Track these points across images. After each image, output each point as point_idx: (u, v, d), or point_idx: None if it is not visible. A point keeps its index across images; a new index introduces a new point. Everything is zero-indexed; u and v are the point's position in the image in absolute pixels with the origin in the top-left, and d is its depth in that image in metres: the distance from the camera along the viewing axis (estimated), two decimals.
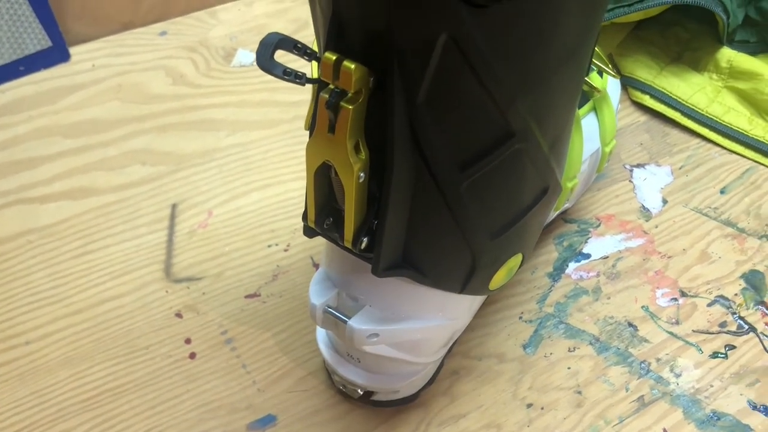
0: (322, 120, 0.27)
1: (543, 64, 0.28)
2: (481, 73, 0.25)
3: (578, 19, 0.28)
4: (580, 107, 0.44)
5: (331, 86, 0.26)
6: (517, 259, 0.37)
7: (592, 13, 0.29)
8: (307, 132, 0.31)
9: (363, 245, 0.31)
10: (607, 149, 0.47)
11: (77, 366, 0.44)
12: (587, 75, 0.44)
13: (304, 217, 0.33)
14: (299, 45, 0.26)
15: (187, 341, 0.45)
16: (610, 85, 0.48)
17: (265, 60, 0.25)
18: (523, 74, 0.27)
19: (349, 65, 0.25)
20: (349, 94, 0.26)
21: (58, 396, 0.43)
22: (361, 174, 0.28)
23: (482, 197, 0.31)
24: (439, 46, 0.24)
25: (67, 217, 0.51)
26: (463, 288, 0.35)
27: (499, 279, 0.37)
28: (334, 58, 0.25)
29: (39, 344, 0.45)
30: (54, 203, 0.51)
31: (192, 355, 0.45)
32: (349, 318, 0.35)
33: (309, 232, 0.34)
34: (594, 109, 0.46)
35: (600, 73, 0.46)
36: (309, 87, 0.29)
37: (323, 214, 0.32)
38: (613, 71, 0.46)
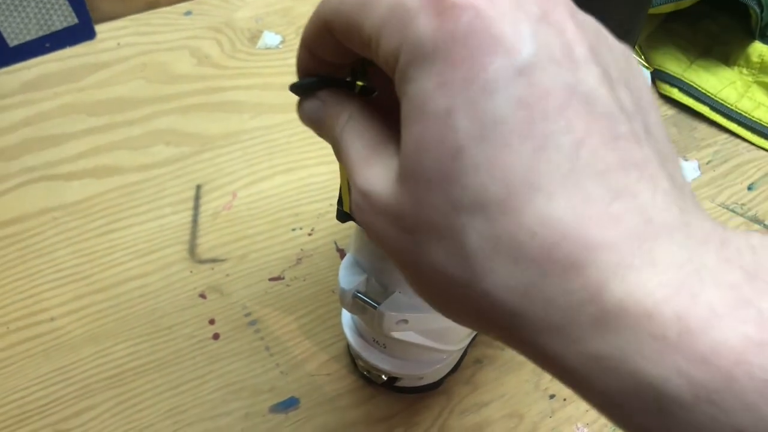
0: None
1: None
2: None
3: (627, 6, 0.28)
4: None
5: None
6: None
7: (640, 3, 0.29)
8: None
9: None
10: None
11: (101, 344, 0.44)
12: None
13: (340, 202, 0.33)
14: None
15: (211, 322, 0.45)
16: None
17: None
18: None
19: None
20: None
21: (82, 373, 0.43)
22: None
23: None
24: None
25: (92, 195, 0.51)
26: None
27: None
28: None
29: (63, 321, 0.45)
30: (79, 181, 0.51)
31: (215, 336, 0.45)
32: (379, 304, 0.35)
33: (342, 216, 0.33)
34: None
35: None
36: None
37: None
38: (644, 62, 0.46)
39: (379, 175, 0.20)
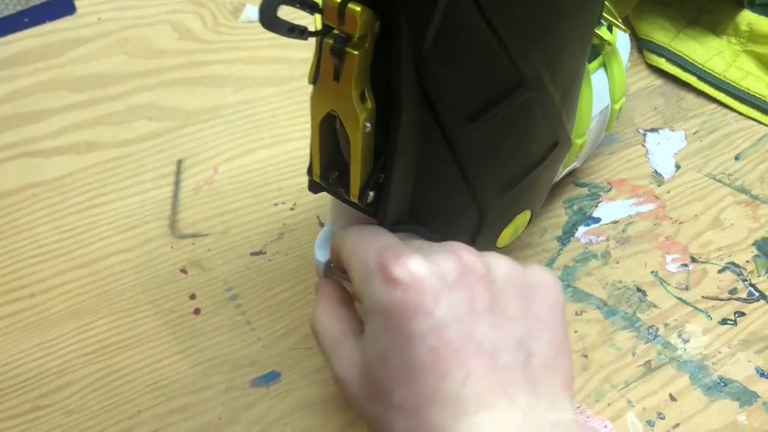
0: (327, 68, 0.27)
1: (555, 8, 0.27)
2: (491, 17, 0.25)
3: None
4: (589, 62, 0.43)
5: (336, 31, 0.26)
6: (525, 216, 0.37)
7: None
8: None
9: (369, 199, 0.30)
10: (617, 106, 0.46)
11: (82, 319, 0.44)
12: (597, 28, 0.42)
13: (309, 171, 0.32)
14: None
15: (192, 297, 0.45)
16: (620, 40, 0.47)
17: (269, 18, 0.24)
18: (534, 18, 0.27)
19: (355, 8, 0.24)
20: (355, 39, 0.25)
21: (63, 348, 0.43)
22: (367, 124, 0.27)
23: (491, 149, 0.30)
24: None
25: (73, 171, 0.50)
26: (471, 244, 0.35)
27: (506, 236, 0.36)
28: (338, 0, 0.25)
29: (43, 297, 0.45)
30: (59, 157, 0.51)
31: (196, 311, 0.45)
32: None
33: (314, 187, 0.33)
34: (603, 64, 0.45)
35: (609, 27, 0.45)
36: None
37: (329, 167, 0.31)
38: (621, 25, 0.45)
39: (346, 365, 0.30)
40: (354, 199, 0.31)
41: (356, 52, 0.25)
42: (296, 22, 0.26)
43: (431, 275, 0.27)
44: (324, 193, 0.33)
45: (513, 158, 0.33)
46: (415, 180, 0.30)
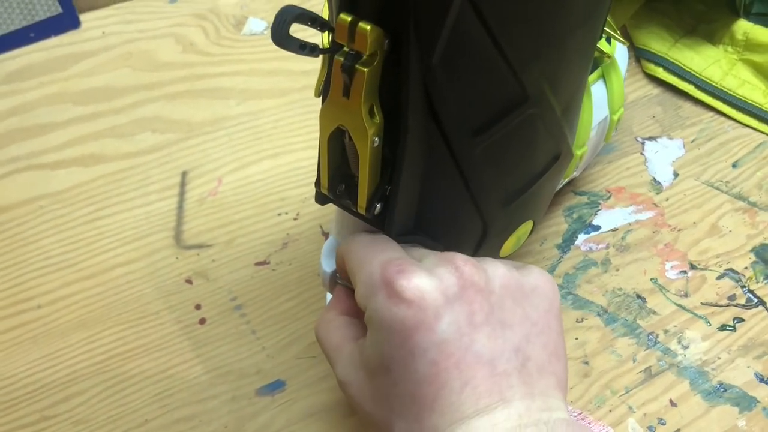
0: (337, 84, 0.27)
1: (559, 27, 0.28)
2: (497, 35, 0.25)
3: None
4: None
5: (346, 49, 0.26)
6: (528, 226, 0.37)
7: None
8: (318, 100, 0.31)
9: (376, 211, 0.31)
10: (615, 117, 0.47)
11: (89, 330, 0.44)
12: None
13: (317, 183, 0.33)
14: (314, 17, 0.26)
15: (197, 307, 0.46)
16: (618, 52, 0.47)
17: (282, 36, 0.25)
18: (538, 36, 0.27)
19: (365, 26, 0.25)
20: (364, 57, 0.26)
21: (70, 359, 0.43)
22: (376, 138, 0.28)
23: (495, 163, 0.31)
24: (456, 6, 0.24)
25: (78, 183, 0.51)
26: (474, 254, 0.35)
27: (509, 246, 0.37)
28: (349, 19, 0.25)
29: (50, 308, 0.45)
30: (65, 170, 0.52)
31: (202, 321, 0.45)
32: None
33: (321, 198, 0.34)
34: (602, 76, 0.45)
35: (608, 39, 0.46)
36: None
37: (336, 180, 0.32)
38: (620, 38, 0.46)
39: (349, 370, 0.31)
40: (361, 211, 0.31)
41: (366, 70, 0.26)
42: (300, 36, 0.27)
43: (433, 291, 0.28)
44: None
45: (516, 171, 0.33)
46: (421, 192, 0.31)
